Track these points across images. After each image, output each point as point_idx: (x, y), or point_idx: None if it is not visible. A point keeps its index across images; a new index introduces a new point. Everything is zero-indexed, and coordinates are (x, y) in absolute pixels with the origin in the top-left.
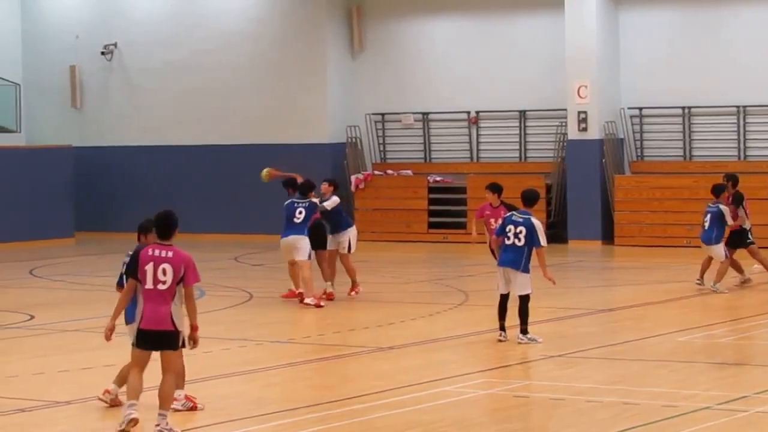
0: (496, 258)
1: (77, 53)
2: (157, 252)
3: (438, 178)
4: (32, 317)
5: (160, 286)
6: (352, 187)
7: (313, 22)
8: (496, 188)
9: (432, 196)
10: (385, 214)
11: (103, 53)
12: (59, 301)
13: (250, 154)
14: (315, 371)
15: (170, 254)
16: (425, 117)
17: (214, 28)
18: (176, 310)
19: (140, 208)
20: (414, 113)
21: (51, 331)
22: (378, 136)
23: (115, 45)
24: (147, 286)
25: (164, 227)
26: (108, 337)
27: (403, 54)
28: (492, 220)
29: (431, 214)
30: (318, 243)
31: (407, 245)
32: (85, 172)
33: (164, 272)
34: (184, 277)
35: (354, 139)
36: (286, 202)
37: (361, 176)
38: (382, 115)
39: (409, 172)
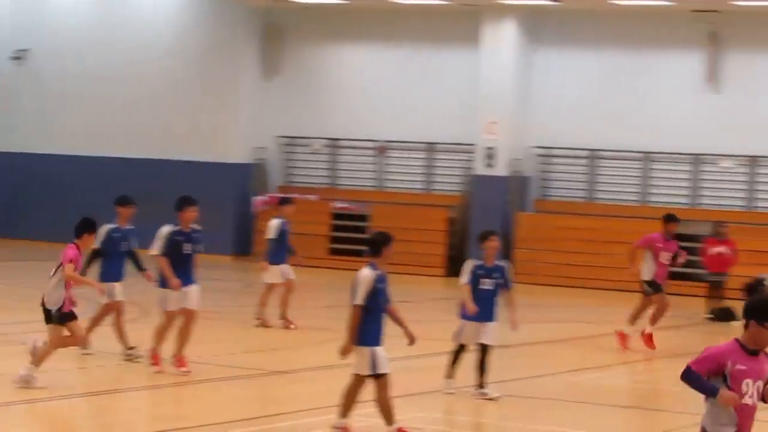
0: None
1: None
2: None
3: (342, 205)
4: None
5: None
6: (254, 208)
7: (230, 41)
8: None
9: (335, 222)
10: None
11: (15, 58)
12: None
13: (154, 168)
14: None
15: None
16: (334, 143)
17: (133, 40)
18: None
19: (37, 215)
20: (323, 138)
21: None
22: (286, 159)
23: (28, 50)
24: None
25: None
26: None
27: (318, 79)
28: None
29: (333, 240)
30: None
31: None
32: None
33: None
34: None
35: (261, 161)
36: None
37: (265, 198)
38: (292, 138)
39: (314, 196)
